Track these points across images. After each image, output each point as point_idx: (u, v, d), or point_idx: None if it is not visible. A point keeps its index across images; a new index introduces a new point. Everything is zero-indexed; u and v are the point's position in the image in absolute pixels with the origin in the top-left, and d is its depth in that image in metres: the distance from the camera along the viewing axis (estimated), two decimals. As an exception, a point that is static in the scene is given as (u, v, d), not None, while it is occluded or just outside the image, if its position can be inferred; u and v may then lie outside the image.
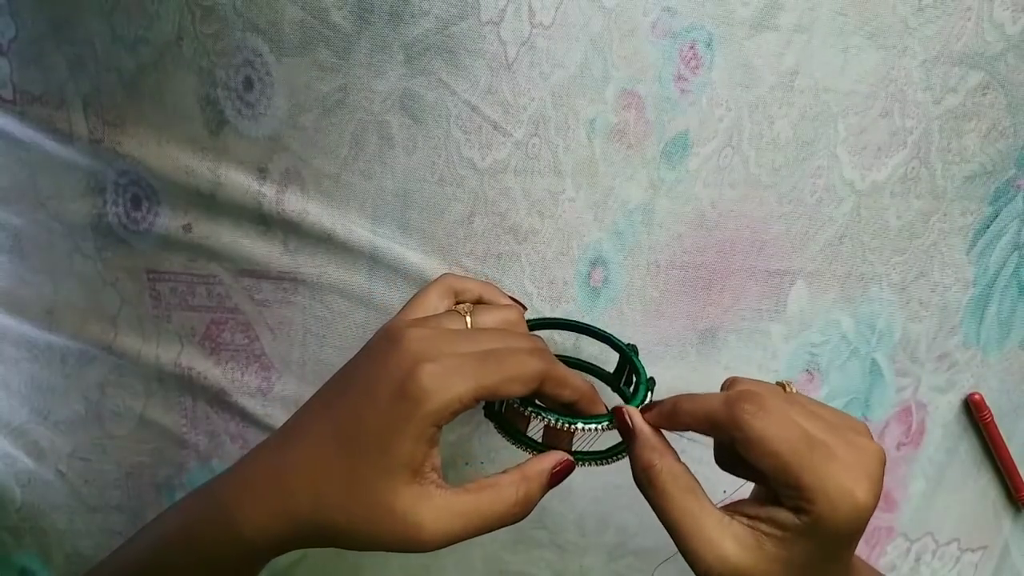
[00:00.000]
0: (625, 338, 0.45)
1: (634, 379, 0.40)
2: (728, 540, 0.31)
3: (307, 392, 0.44)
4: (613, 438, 0.36)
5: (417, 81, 0.39)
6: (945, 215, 0.47)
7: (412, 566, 0.48)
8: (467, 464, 0.46)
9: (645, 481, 0.33)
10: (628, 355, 0.41)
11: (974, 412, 0.52)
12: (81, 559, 0.48)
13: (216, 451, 0.45)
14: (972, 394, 0.51)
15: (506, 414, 0.37)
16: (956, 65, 0.43)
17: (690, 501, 0.32)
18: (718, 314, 0.46)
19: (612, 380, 0.44)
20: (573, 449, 0.36)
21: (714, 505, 0.32)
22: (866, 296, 0.48)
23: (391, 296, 0.43)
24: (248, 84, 0.38)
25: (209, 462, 0.46)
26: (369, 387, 0.32)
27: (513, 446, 0.37)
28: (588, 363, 0.45)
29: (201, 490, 0.34)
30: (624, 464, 0.43)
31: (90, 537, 0.47)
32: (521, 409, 0.35)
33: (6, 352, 0.46)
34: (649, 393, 0.38)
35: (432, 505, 0.31)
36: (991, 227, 0.48)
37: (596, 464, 0.36)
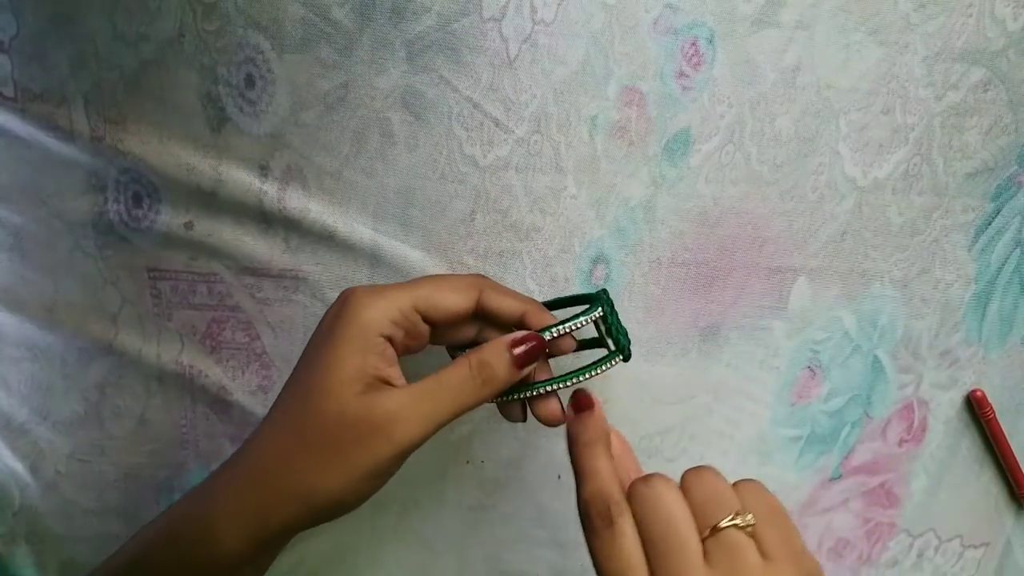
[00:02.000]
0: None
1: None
2: None
3: (308, 391, 0.44)
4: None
5: (419, 78, 0.39)
6: (947, 212, 0.47)
7: (411, 565, 0.48)
8: (468, 462, 0.46)
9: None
10: (593, 296, 0.39)
11: (976, 409, 0.52)
12: (76, 567, 0.47)
13: (216, 452, 0.45)
14: (974, 391, 0.51)
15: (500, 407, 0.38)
16: (957, 62, 0.43)
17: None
18: (720, 311, 0.46)
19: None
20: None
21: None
22: (868, 293, 0.48)
23: (393, 294, 0.43)
24: (249, 81, 0.38)
25: (209, 463, 0.45)
26: (315, 333, 0.33)
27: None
28: (565, 298, 0.43)
29: (181, 501, 0.34)
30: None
31: (86, 542, 0.47)
32: (507, 398, 0.35)
33: (6, 351, 0.46)
34: (600, 307, 0.37)
35: (385, 399, 0.30)
36: (993, 224, 0.48)
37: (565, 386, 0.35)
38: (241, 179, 0.40)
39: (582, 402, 0.33)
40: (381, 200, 0.41)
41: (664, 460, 0.48)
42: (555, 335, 0.35)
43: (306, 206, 0.40)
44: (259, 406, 0.44)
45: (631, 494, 0.29)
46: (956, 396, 0.52)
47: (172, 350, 0.44)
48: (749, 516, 0.28)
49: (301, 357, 0.34)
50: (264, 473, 0.31)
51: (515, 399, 0.36)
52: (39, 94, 0.40)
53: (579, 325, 0.36)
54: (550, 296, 0.43)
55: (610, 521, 0.28)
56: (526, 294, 0.43)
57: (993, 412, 0.52)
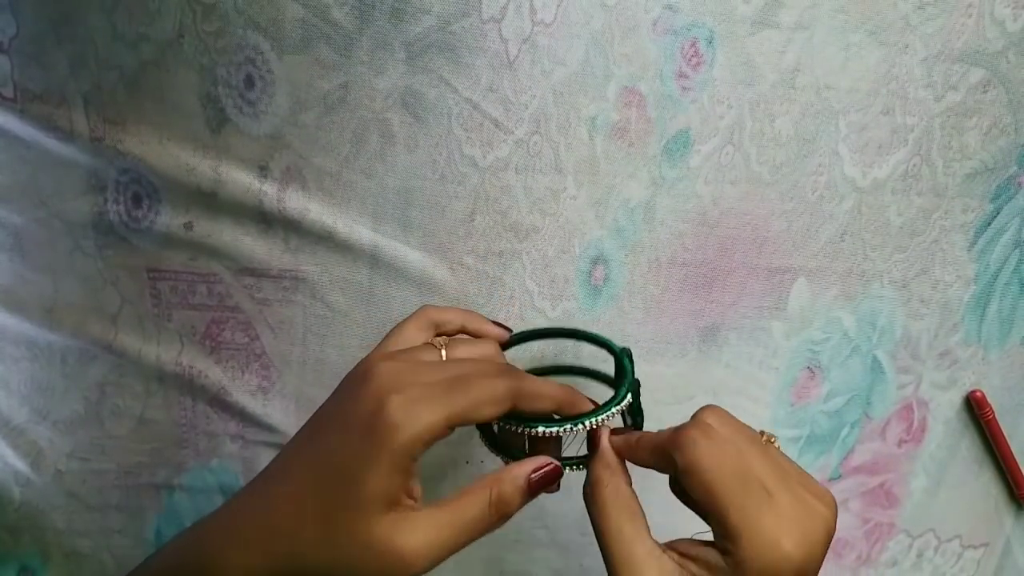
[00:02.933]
0: (626, 336, 0.45)
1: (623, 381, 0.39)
2: (653, 572, 0.30)
3: (307, 391, 0.44)
4: None
5: (418, 79, 0.39)
6: (946, 212, 0.47)
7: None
8: (468, 462, 0.46)
9: (590, 496, 0.33)
10: (619, 357, 0.39)
11: (975, 409, 0.52)
12: (80, 558, 0.47)
13: (216, 451, 0.45)
14: (973, 391, 0.51)
15: (500, 436, 0.37)
16: (957, 62, 0.43)
17: (627, 525, 0.31)
18: (719, 311, 0.46)
19: (611, 382, 0.43)
20: (563, 455, 0.36)
21: (651, 536, 0.31)
22: (867, 293, 0.48)
23: (392, 294, 0.43)
24: (249, 82, 0.38)
25: (209, 462, 0.46)
26: (341, 423, 0.32)
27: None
28: (588, 368, 0.44)
29: (187, 533, 0.34)
30: (627, 469, 0.42)
31: (89, 537, 0.47)
32: (508, 427, 0.35)
33: (6, 351, 0.46)
34: (629, 395, 0.37)
35: (409, 528, 0.31)
36: (992, 224, 0.48)
37: (577, 468, 0.35)
38: (241, 180, 0.40)
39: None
40: (381, 201, 0.41)
41: (663, 460, 0.48)
42: (589, 427, 0.35)
43: (306, 206, 0.40)
44: (258, 406, 0.44)
45: (698, 421, 0.33)
46: (955, 396, 0.52)
47: (172, 350, 0.44)
48: (769, 433, 0.33)
49: (325, 419, 0.33)
50: (277, 546, 0.32)
51: (514, 442, 0.36)
52: (39, 94, 0.40)
53: (612, 415, 0.35)
54: (551, 294, 0.44)
55: (706, 432, 0.31)
56: (525, 294, 0.43)
57: (992, 412, 0.52)
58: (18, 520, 0.47)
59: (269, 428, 0.45)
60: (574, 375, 0.44)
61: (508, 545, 0.48)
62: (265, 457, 0.45)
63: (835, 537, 0.53)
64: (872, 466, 0.52)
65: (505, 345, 0.39)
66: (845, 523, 0.53)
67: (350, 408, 0.32)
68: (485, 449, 0.38)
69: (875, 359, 0.49)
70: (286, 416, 0.44)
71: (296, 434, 0.34)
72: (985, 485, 0.54)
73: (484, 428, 0.38)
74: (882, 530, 0.54)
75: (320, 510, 0.31)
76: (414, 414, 0.31)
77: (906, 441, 0.52)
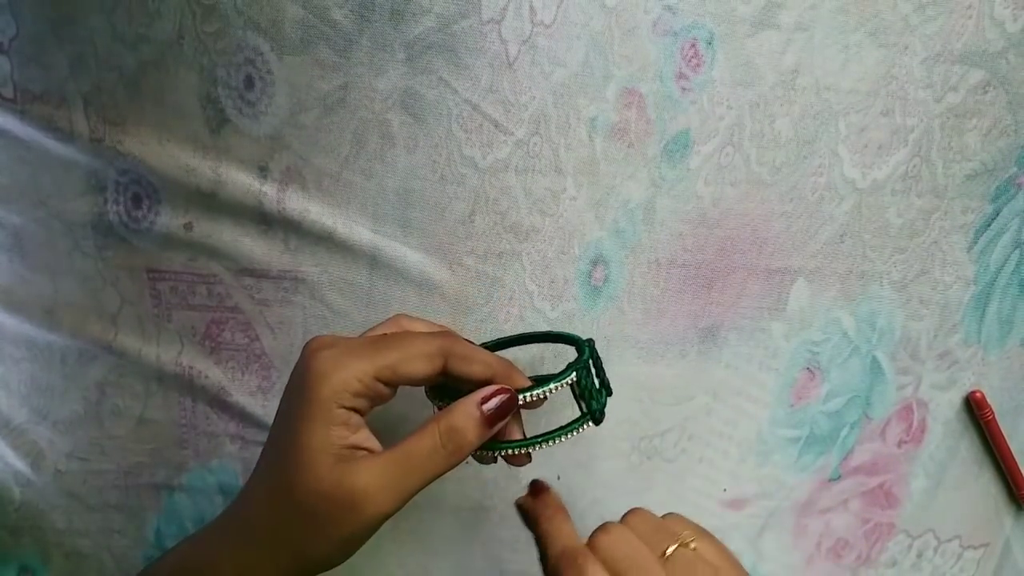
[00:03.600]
0: (626, 337, 0.45)
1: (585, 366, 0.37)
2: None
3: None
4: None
5: (418, 80, 0.39)
6: (946, 213, 0.47)
7: (410, 565, 0.48)
8: (467, 463, 0.46)
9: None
10: (578, 340, 0.38)
11: (975, 410, 0.52)
12: (80, 558, 0.47)
13: (215, 451, 0.45)
14: (973, 392, 0.51)
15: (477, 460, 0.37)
16: (957, 63, 0.43)
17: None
18: (719, 312, 0.46)
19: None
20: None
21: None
22: (867, 294, 0.48)
23: (392, 295, 0.43)
24: (249, 83, 0.38)
25: (208, 462, 0.46)
26: (285, 392, 0.33)
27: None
28: (555, 332, 0.42)
29: (182, 545, 0.35)
30: (625, 470, 0.43)
31: (89, 536, 0.47)
32: (441, 405, 0.35)
33: (6, 351, 0.46)
34: (573, 374, 0.35)
35: (358, 470, 0.31)
36: (992, 225, 0.48)
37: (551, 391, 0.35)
38: (240, 180, 0.40)
39: (539, 487, 0.37)
40: (380, 201, 0.41)
41: (663, 461, 0.48)
42: (526, 400, 0.34)
43: (305, 207, 0.41)
44: (258, 407, 0.44)
45: (592, 545, 0.32)
46: (955, 397, 0.52)
47: (172, 351, 0.44)
48: (690, 537, 0.32)
49: (276, 414, 0.34)
50: (254, 534, 0.32)
51: (486, 455, 0.36)
52: (39, 95, 0.41)
53: (552, 391, 0.35)
54: (550, 295, 0.44)
55: (583, 570, 0.30)
56: (525, 295, 0.43)
57: (992, 413, 0.52)
58: (18, 520, 0.47)
59: (269, 428, 0.45)
60: (534, 341, 0.43)
61: (508, 546, 0.48)
62: (265, 457, 0.45)
63: (835, 537, 0.54)
64: (872, 467, 0.52)
65: None
66: (845, 524, 0.53)
67: (290, 377, 0.33)
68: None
69: (875, 360, 0.49)
70: (286, 416, 0.44)
71: None
72: (985, 486, 0.54)
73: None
74: (882, 530, 0.54)
75: (279, 498, 0.32)
76: (340, 362, 0.31)
77: (906, 442, 0.52)
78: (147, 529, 0.47)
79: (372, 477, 0.31)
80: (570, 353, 0.39)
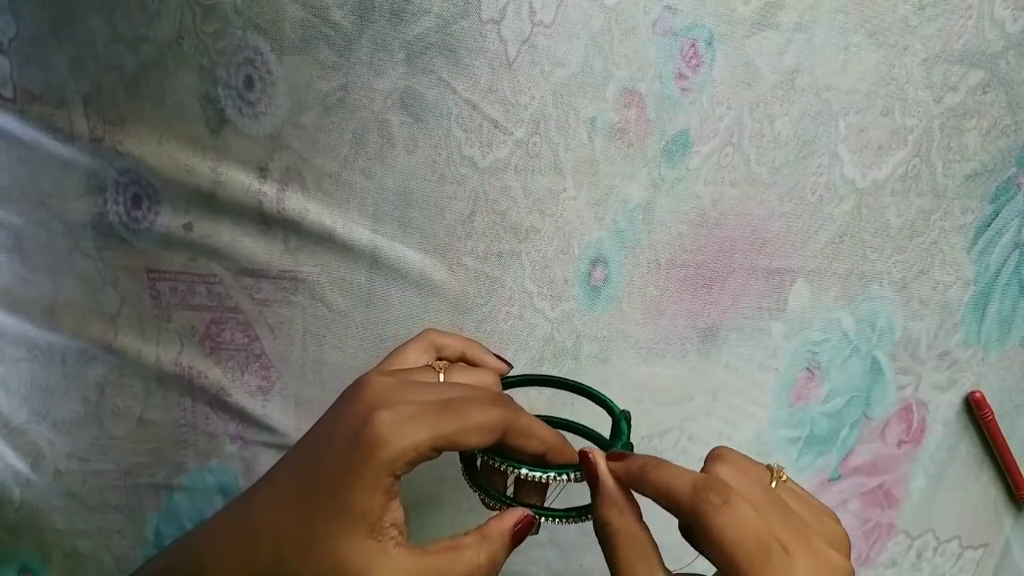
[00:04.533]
0: (626, 336, 0.45)
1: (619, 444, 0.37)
2: None
3: (306, 392, 0.44)
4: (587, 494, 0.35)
5: (418, 80, 0.39)
6: (946, 213, 0.47)
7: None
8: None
9: (602, 537, 0.33)
10: (617, 418, 0.38)
11: (975, 410, 0.52)
12: (80, 558, 0.47)
13: (215, 451, 0.45)
14: (973, 392, 0.51)
15: (483, 470, 0.36)
16: (957, 63, 0.43)
17: (640, 568, 0.31)
18: (719, 312, 0.46)
19: (607, 445, 0.39)
20: (546, 503, 0.35)
21: (665, 570, 0.31)
22: (867, 294, 0.48)
23: (391, 295, 0.43)
24: (249, 83, 0.38)
25: (208, 462, 0.46)
26: (330, 434, 0.32)
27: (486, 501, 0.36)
28: (581, 426, 0.42)
29: (181, 540, 0.34)
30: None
31: (89, 537, 0.47)
32: (492, 463, 0.34)
33: (6, 351, 0.46)
34: None
35: (388, 564, 0.30)
36: (992, 225, 0.48)
37: (564, 522, 0.34)
38: (240, 180, 0.40)
39: (616, 453, 0.34)
40: (380, 201, 0.41)
41: (663, 461, 0.48)
42: (571, 479, 0.34)
43: (305, 207, 0.41)
44: (258, 407, 0.44)
45: (715, 476, 0.31)
46: (955, 397, 0.52)
47: (171, 351, 0.44)
48: (779, 471, 0.33)
49: (315, 440, 0.33)
50: (260, 540, 0.32)
51: (495, 505, 0.36)
52: (38, 95, 0.41)
53: (573, 478, 0.34)
54: (550, 295, 0.44)
55: (728, 495, 0.30)
56: (524, 295, 0.43)
57: (992, 413, 0.52)
58: (18, 520, 0.47)
59: (269, 429, 0.45)
60: (568, 430, 0.41)
61: (508, 545, 0.48)
62: (265, 457, 0.45)
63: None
64: (871, 467, 0.52)
65: (504, 384, 0.39)
66: (845, 523, 0.53)
67: (341, 420, 0.32)
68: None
69: (874, 360, 0.49)
70: (286, 417, 0.44)
71: (293, 446, 0.34)
72: (984, 486, 0.54)
73: (467, 461, 0.37)
74: (881, 531, 0.54)
75: (300, 522, 0.31)
76: (400, 430, 0.30)
77: (905, 442, 0.52)
78: (147, 529, 0.47)
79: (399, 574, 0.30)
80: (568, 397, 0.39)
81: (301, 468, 0.33)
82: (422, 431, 0.31)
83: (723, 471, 0.31)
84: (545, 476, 0.34)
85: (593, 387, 0.40)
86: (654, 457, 0.33)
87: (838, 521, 0.32)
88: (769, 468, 0.33)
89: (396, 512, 0.31)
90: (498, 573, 0.33)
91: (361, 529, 0.30)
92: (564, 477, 0.34)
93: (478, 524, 0.33)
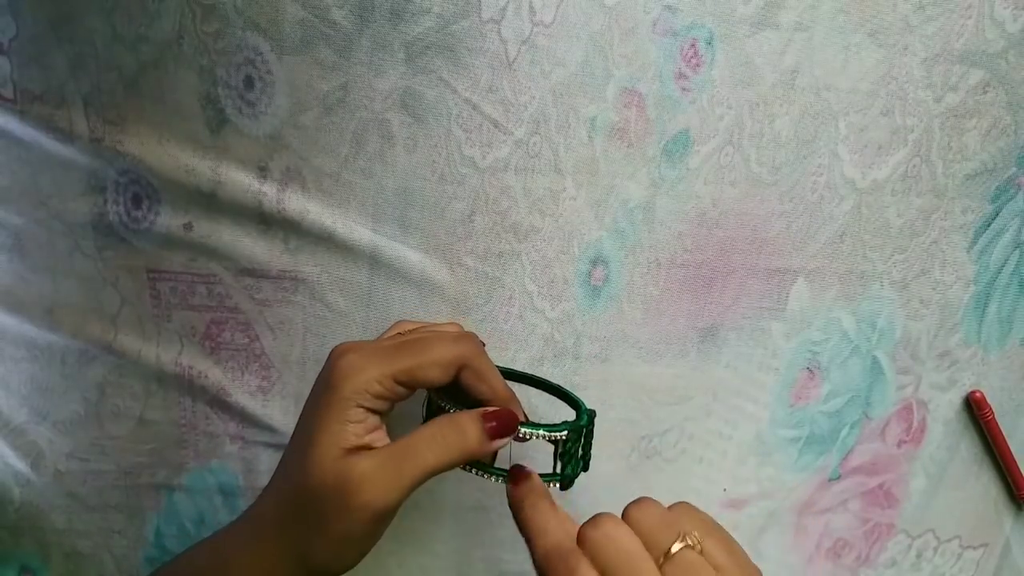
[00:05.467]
0: (626, 336, 0.45)
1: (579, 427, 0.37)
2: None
3: (307, 391, 0.43)
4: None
5: (418, 79, 0.39)
6: (946, 213, 0.47)
7: (410, 565, 0.48)
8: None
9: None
10: (580, 404, 0.38)
11: (975, 410, 0.52)
12: (80, 558, 0.47)
13: (215, 451, 0.45)
14: (973, 392, 0.51)
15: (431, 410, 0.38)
16: (957, 63, 0.43)
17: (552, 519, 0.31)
18: (719, 312, 0.46)
19: (573, 404, 0.40)
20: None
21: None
22: (867, 294, 0.48)
23: (391, 295, 0.43)
24: (249, 83, 0.38)
25: (208, 462, 0.46)
26: (307, 400, 0.35)
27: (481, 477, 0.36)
28: (544, 381, 0.42)
29: (200, 544, 0.36)
30: (625, 470, 0.42)
31: (89, 537, 0.47)
32: (442, 405, 0.35)
33: (6, 351, 0.46)
34: (566, 431, 0.35)
35: (360, 457, 0.32)
36: (992, 225, 0.48)
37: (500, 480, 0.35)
38: (240, 180, 0.40)
39: (519, 474, 0.34)
40: (380, 201, 0.41)
41: (663, 461, 0.48)
42: (519, 436, 0.35)
43: (305, 207, 0.41)
44: (258, 407, 0.44)
45: (582, 540, 0.29)
46: (955, 397, 0.52)
47: (171, 351, 0.44)
48: (695, 535, 0.29)
49: (299, 417, 0.35)
50: (264, 534, 0.34)
51: (482, 476, 0.36)
52: (38, 95, 0.41)
53: (541, 436, 0.35)
54: (550, 295, 0.44)
55: (570, 571, 0.28)
56: (524, 295, 0.43)
57: (992, 413, 0.52)
58: (18, 520, 0.47)
59: (269, 428, 0.45)
60: (543, 389, 0.42)
61: (507, 546, 0.48)
62: (265, 457, 0.45)
63: (834, 537, 0.53)
64: (871, 466, 0.52)
65: None
66: (844, 524, 0.53)
67: (316, 380, 0.35)
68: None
69: (875, 360, 0.49)
70: (286, 416, 0.44)
71: None
72: (984, 486, 0.54)
73: (425, 410, 0.39)
74: (881, 530, 0.54)
75: (288, 497, 0.33)
76: (361, 365, 0.33)
77: (905, 442, 0.52)
78: (147, 529, 0.47)
79: (369, 466, 0.32)
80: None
81: (289, 446, 0.35)
82: (383, 365, 0.33)
83: (595, 537, 0.29)
84: (525, 431, 0.35)
85: (562, 386, 0.41)
86: (544, 495, 0.33)
87: None
88: (680, 532, 0.29)
89: (372, 435, 0.33)
90: (467, 456, 0.33)
91: (335, 452, 0.32)
92: (518, 432, 0.35)
93: (481, 523, 0.34)
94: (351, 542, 0.33)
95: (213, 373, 0.44)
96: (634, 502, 0.31)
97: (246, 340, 0.43)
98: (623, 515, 0.31)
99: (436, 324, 0.40)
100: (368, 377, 0.33)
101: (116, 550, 0.47)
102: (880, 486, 0.53)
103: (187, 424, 0.45)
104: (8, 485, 0.47)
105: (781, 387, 0.49)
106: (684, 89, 0.42)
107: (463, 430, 0.33)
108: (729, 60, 0.41)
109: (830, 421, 0.50)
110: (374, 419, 0.33)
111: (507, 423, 0.34)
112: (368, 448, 0.33)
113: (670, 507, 0.31)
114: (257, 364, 0.44)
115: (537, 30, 0.39)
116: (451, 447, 0.33)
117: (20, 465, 0.47)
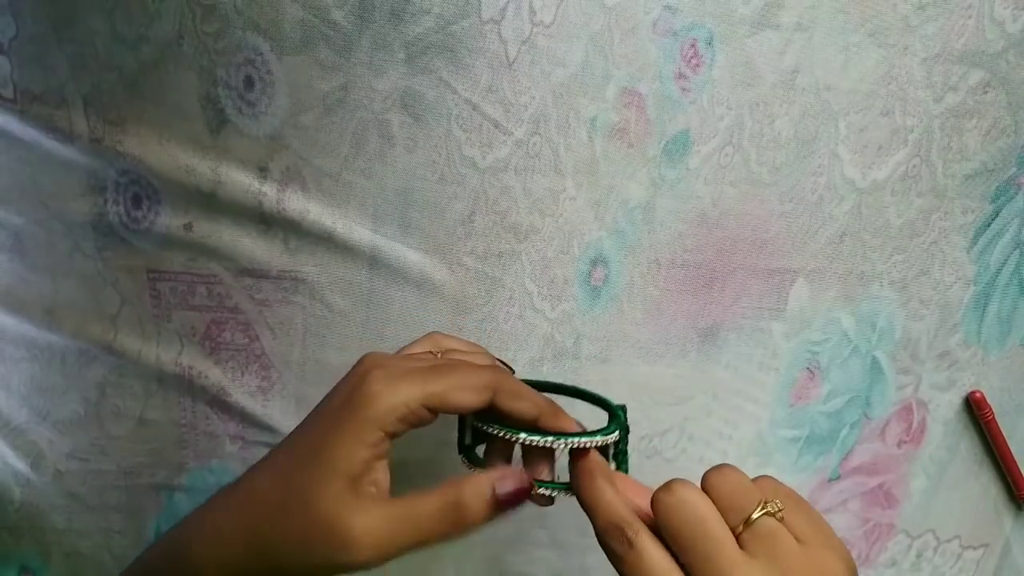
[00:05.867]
0: (626, 337, 0.45)
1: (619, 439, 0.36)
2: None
3: (307, 392, 0.44)
4: None
5: (418, 80, 0.39)
6: (946, 213, 0.47)
7: (410, 565, 0.48)
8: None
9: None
10: (613, 408, 0.37)
11: (975, 410, 0.52)
12: (81, 558, 0.48)
13: (215, 451, 0.45)
14: (973, 392, 0.51)
15: (487, 455, 0.36)
16: (957, 63, 0.43)
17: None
18: (719, 312, 0.46)
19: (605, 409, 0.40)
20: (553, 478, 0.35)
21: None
22: (867, 294, 0.48)
23: (391, 295, 0.43)
24: (249, 83, 0.38)
25: (208, 462, 0.46)
26: (327, 401, 0.33)
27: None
28: (585, 391, 0.41)
29: (169, 531, 0.34)
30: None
31: (89, 537, 0.47)
32: (488, 430, 0.34)
33: (6, 352, 0.46)
34: (617, 433, 0.34)
35: (363, 511, 0.30)
36: (992, 225, 0.48)
37: (565, 495, 0.33)
38: (240, 180, 0.40)
39: (578, 452, 0.33)
40: (380, 201, 0.41)
41: (663, 461, 0.48)
42: (571, 445, 0.33)
43: (305, 207, 0.41)
44: (258, 407, 0.44)
45: (655, 506, 0.28)
46: (955, 397, 0.52)
47: (171, 351, 0.44)
48: (778, 502, 0.28)
49: (311, 415, 0.34)
50: (247, 522, 0.32)
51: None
52: (38, 96, 0.41)
53: (594, 444, 0.33)
54: (550, 295, 0.44)
55: (629, 544, 0.28)
56: (524, 295, 0.43)
57: (992, 413, 0.52)
58: (18, 520, 0.47)
59: (269, 429, 0.45)
60: (569, 395, 0.41)
61: (508, 545, 0.48)
62: (265, 457, 0.45)
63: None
64: (871, 467, 0.52)
65: None
66: (844, 524, 0.53)
67: (339, 387, 0.33)
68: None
69: (874, 360, 0.49)
70: (286, 417, 0.44)
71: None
72: (984, 486, 0.54)
73: (464, 437, 0.37)
74: (881, 531, 0.54)
75: (284, 478, 0.31)
76: (392, 386, 0.31)
77: (905, 442, 0.52)
78: (147, 529, 0.47)
79: (373, 524, 0.30)
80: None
81: (293, 436, 0.33)
82: (413, 388, 0.31)
83: (664, 504, 0.28)
84: (545, 441, 0.33)
85: (589, 390, 0.40)
86: (603, 469, 0.32)
87: (844, 560, 0.28)
88: (761, 500, 0.28)
89: (380, 473, 0.31)
90: (473, 528, 0.31)
91: (341, 483, 0.30)
92: (559, 442, 0.33)
93: (479, 531, 0.32)
94: (325, 573, 0.31)
95: (213, 373, 0.44)
96: (714, 468, 0.30)
97: (246, 340, 0.43)
98: (702, 481, 0.30)
99: (464, 343, 0.39)
100: (398, 401, 0.31)
101: (116, 550, 0.47)
102: (880, 486, 0.53)
103: (187, 424, 0.45)
104: (8, 485, 0.47)
105: (781, 387, 0.49)
106: (684, 89, 0.42)
107: (468, 504, 0.31)
108: (729, 60, 0.41)
109: (830, 421, 0.50)
110: (388, 444, 0.31)
111: (519, 492, 0.32)
112: (369, 482, 0.31)
113: (755, 479, 0.30)
114: (257, 364, 0.44)
115: (537, 30, 0.39)
116: (453, 520, 0.31)
117: (20, 465, 0.47)
